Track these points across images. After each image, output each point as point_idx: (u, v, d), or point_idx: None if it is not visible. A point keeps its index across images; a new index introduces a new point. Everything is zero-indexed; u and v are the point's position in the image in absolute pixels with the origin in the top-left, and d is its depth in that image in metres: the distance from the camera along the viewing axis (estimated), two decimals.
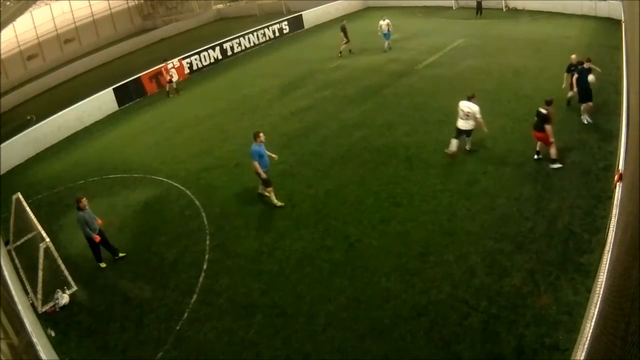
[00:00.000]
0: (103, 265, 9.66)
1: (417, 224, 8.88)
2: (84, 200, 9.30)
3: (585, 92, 11.21)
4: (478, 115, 10.14)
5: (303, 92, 17.55)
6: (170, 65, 21.60)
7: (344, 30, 21.07)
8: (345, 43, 21.18)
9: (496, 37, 20.15)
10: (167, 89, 20.79)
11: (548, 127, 9.65)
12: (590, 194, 8.70)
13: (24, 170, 16.14)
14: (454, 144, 10.67)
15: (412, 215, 9.16)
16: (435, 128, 12.48)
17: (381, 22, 20.54)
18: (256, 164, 9.80)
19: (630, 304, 3.05)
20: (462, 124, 10.38)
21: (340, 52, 21.21)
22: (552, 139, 9.77)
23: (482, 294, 6.98)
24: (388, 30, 20.45)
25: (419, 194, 9.78)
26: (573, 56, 11.67)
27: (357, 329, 6.88)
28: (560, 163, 9.88)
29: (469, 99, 10.29)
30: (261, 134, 9.85)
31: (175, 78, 21.65)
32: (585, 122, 11.38)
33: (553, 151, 9.86)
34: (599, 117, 11.47)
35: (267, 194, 10.33)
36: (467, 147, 10.93)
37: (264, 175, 9.95)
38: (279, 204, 10.27)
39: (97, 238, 9.40)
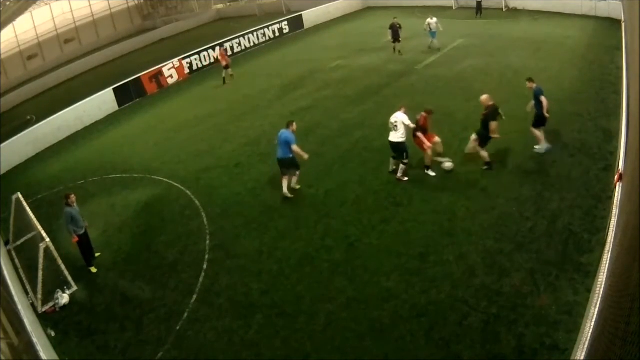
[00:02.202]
0: (94, 270, 9.58)
1: (417, 224, 8.88)
2: (73, 197, 9.28)
3: (538, 115, 10.12)
4: (407, 122, 9.77)
5: (303, 92, 17.55)
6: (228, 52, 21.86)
7: (392, 28, 19.55)
8: (394, 42, 19.77)
9: (496, 37, 20.16)
10: (224, 75, 20.71)
11: (419, 135, 9.98)
12: (590, 194, 8.69)
13: (24, 170, 16.15)
14: (391, 162, 10.58)
15: (412, 215, 9.16)
16: (435, 128, 12.38)
17: (429, 21, 19.35)
18: (297, 147, 10.11)
19: (630, 304, 3.05)
20: (391, 136, 9.99)
21: (395, 50, 19.93)
22: (425, 145, 10.02)
23: (482, 294, 6.98)
24: (436, 28, 19.30)
25: (419, 194, 9.77)
26: (484, 97, 9.95)
27: (357, 329, 6.88)
28: (434, 172, 10.23)
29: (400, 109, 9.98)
30: (294, 123, 10.42)
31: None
32: (538, 149, 10.29)
33: (426, 158, 10.22)
34: (599, 117, 11.47)
35: (296, 181, 10.73)
36: (399, 174, 10.27)
37: (306, 156, 10.23)
38: (296, 187, 10.72)
39: (75, 239, 9.26)
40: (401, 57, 19.22)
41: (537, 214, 8.43)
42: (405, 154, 10.04)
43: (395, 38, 19.64)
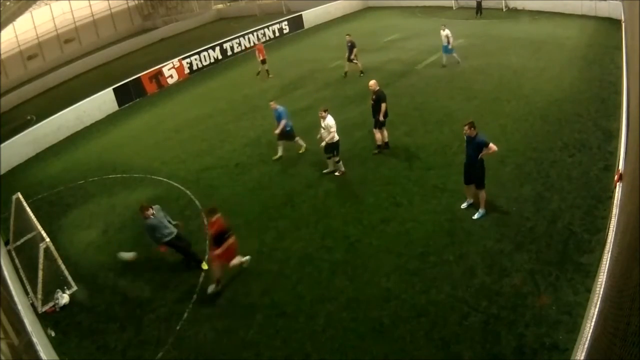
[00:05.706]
0: (205, 267, 8.90)
1: (417, 224, 8.88)
2: (148, 211, 8.40)
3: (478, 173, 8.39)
4: (332, 130, 10.40)
5: (303, 92, 17.54)
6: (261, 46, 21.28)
7: (347, 44, 17.52)
8: (350, 61, 17.70)
9: (496, 37, 20.16)
10: (260, 69, 20.40)
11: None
12: (590, 194, 8.69)
13: (24, 170, 16.14)
14: (329, 163, 11.13)
15: (412, 215, 9.16)
16: (436, 128, 12.48)
17: (441, 32, 16.70)
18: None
19: (630, 304, 3.05)
20: (336, 136, 10.58)
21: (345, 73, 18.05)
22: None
23: (482, 294, 6.98)
24: (448, 42, 16.55)
25: (419, 194, 9.77)
26: (372, 82, 11.41)
27: (357, 329, 6.88)
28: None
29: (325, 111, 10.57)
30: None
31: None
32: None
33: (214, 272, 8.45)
34: (599, 117, 11.47)
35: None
36: (330, 168, 11.08)
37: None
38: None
39: (162, 248, 8.68)
40: (400, 58, 19.15)
41: (537, 214, 8.43)
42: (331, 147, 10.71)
43: (348, 56, 17.57)
